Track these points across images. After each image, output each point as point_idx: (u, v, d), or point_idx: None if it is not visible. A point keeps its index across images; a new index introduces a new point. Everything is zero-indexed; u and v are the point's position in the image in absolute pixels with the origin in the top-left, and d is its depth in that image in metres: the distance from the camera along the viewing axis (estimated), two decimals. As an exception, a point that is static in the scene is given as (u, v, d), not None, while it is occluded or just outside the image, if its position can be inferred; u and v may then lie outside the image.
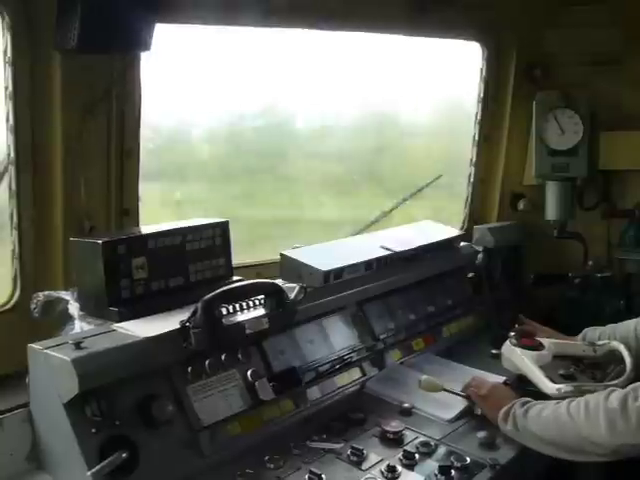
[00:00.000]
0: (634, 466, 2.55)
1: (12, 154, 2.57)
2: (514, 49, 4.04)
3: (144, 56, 2.76)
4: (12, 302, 2.67)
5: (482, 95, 4.11)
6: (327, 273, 2.93)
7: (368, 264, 3.16)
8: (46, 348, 2.17)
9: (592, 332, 3.16)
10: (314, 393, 2.73)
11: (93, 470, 2.02)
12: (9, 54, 2.47)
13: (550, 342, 3.05)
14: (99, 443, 2.10)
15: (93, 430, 2.10)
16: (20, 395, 2.35)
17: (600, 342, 3.07)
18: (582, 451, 2.32)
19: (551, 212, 4.02)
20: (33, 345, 2.21)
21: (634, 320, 3.09)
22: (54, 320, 2.51)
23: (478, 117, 4.16)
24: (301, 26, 3.29)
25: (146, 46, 2.58)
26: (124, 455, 2.10)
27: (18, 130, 2.55)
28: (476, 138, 4.20)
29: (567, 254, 4.13)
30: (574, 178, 3.94)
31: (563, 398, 2.47)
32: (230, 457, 2.35)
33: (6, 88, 2.51)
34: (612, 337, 3.07)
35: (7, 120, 2.54)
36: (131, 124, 2.81)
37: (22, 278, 2.67)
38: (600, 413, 2.24)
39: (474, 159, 4.23)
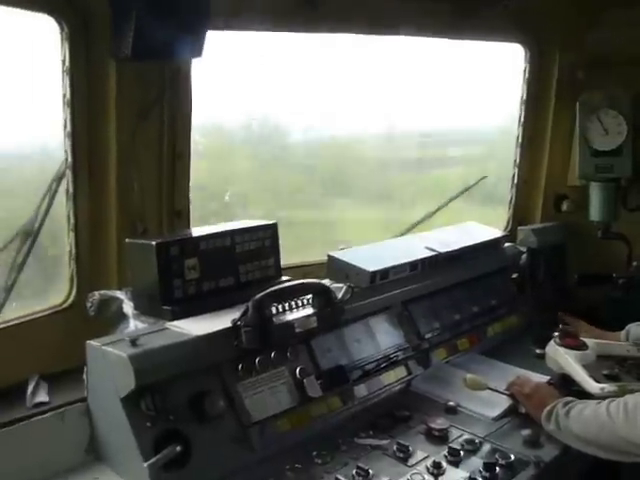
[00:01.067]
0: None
1: (69, 158, 2.65)
2: (557, 50, 4.04)
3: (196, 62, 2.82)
4: (69, 301, 2.75)
5: (525, 97, 4.12)
6: (373, 273, 2.98)
7: (413, 265, 3.20)
8: (104, 345, 2.26)
9: (636, 328, 3.16)
10: (361, 391, 2.78)
11: (149, 462, 2.10)
12: (67, 63, 2.55)
13: (594, 342, 3.06)
14: (154, 436, 2.18)
15: (148, 424, 2.19)
16: (78, 390, 2.45)
17: (645, 342, 3.07)
18: (621, 451, 2.33)
19: (595, 213, 4.02)
20: (91, 342, 2.31)
21: None
22: (109, 319, 2.60)
23: (521, 119, 4.16)
24: (348, 31, 3.33)
25: (198, 53, 2.65)
26: (178, 448, 2.18)
27: (75, 135, 2.63)
28: (519, 139, 4.20)
29: (611, 255, 4.10)
30: (618, 179, 3.93)
31: (606, 397, 2.48)
32: (279, 452, 2.41)
33: (64, 96, 2.60)
34: None
35: (65, 126, 2.63)
36: (182, 128, 2.87)
37: (78, 278, 2.75)
38: (639, 414, 2.25)
39: (518, 160, 4.24)
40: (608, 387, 2.68)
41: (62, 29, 2.51)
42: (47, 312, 2.72)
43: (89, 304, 2.59)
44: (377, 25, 3.35)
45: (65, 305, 2.76)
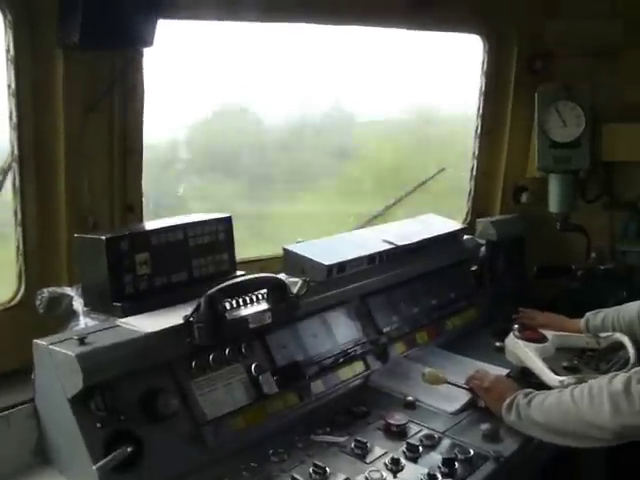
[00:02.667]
0: (636, 451, 2.57)
1: (16, 151, 2.57)
2: (515, 42, 4.04)
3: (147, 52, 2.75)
4: (17, 298, 2.68)
5: (484, 88, 4.11)
6: (330, 267, 2.94)
7: (371, 258, 3.16)
8: (51, 344, 2.19)
9: (594, 317, 3.18)
10: (318, 387, 2.74)
11: (98, 464, 2.04)
12: (12, 52, 2.47)
13: (553, 334, 3.08)
14: (104, 437, 2.12)
15: (98, 425, 2.12)
16: (25, 391, 2.36)
17: (604, 334, 3.09)
18: (586, 436, 2.33)
19: (554, 204, 4.03)
20: (38, 341, 2.23)
21: (637, 302, 3.10)
22: (59, 316, 2.52)
23: (480, 110, 4.16)
24: (302, 21, 3.29)
25: (148, 42, 2.59)
26: (129, 449, 2.12)
27: (21, 127, 2.55)
28: (478, 131, 4.20)
29: (570, 246, 4.14)
30: (576, 170, 3.96)
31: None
32: (234, 451, 2.37)
33: (9, 86, 2.52)
34: (615, 321, 3.08)
35: (10, 118, 2.55)
36: (134, 121, 2.81)
37: (27, 275, 2.68)
38: (604, 396, 2.25)
39: (476, 152, 4.23)
40: (567, 379, 2.69)
41: (5, 16, 2.43)
42: (-6, 309, 2.64)
43: (38, 301, 2.51)
44: (333, 15, 3.31)
45: (13, 303, 2.68)
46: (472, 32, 4.00)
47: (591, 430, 2.29)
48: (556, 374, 2.78)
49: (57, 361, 2.15)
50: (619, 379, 2.25)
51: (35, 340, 2.24)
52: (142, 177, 2.90)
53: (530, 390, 2.56)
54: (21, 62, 2.50)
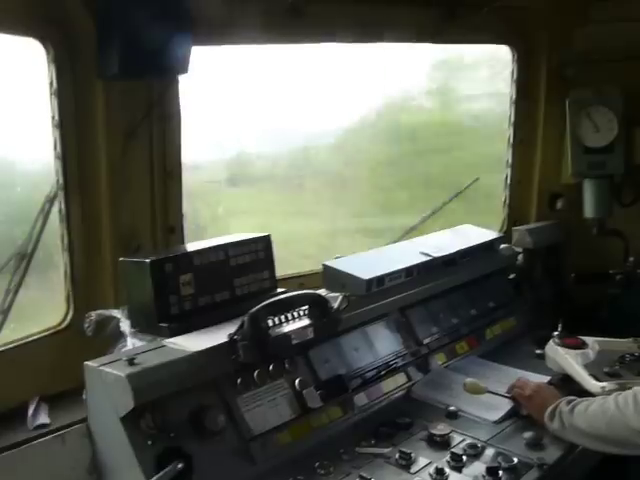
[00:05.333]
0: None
1: (60, 180, 2.66)
2: (545, 49, 4.04)
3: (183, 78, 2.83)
4: (66, 322, 2.75)
5: (515, 97, 4.12)
6: (369, 281, 2.98)
7: (409, 271, 3.20)
8: (101, 365, 2.25)
9: None
10: (361, 399, 2.78)
11: (151, 481, 2.10)
12: (54, 85, 2.56)
13: (594, 340, 3.06)
14: (155, 454, 2.18)
15: (149, 442, 2.19)
16: (76, 411, 2.46)
17: (644, 338, 3.07)
18: (631, 443, 2.32)
19: (589, 210, 4.01)
20: (89, 363, 2.30)
21: None
22: (107, 338, 2.60)
23: (512, 119, 4.16)
24: (334, 41, 3.34)
25: (183, 69, 2.66)
26: (179, 465, 2.17)
27: (65, 156, 2.64)
28: (511, 140, 4.20)
29: (607, 252, 4.10)
30: (611, 175, 3.93)
31: (608, 395, 2.48)
32: (281, 465, 2.41)
33: (52, 117, 2.61)
34: None
35: (55, 147, 2.64)
36: (172, 144, 2.89)
37: (75, 298, 2.75)
38: None
39: (510, 161, 4.23)
40: (609, 385, 2.69)
41: (48, 52, 2.52)
42: (45, 333, 2.72)
43: (86, 324, 2.59)
44: (363, 34, 3.36)
45: (63, 326, 2.76)
46: (501, 43, 4.02)
47: (635, 437, 2.29)
48: (597, 380, 2.77)
49: (108, 382, 2.21)
50: None
51: (86, 362, 2.31)
52: (182, 199, 2.96)
53: (573, 397, 2.56)
54: (63, 94, 2.59)
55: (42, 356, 2.67)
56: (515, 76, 4.09)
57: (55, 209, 2.71)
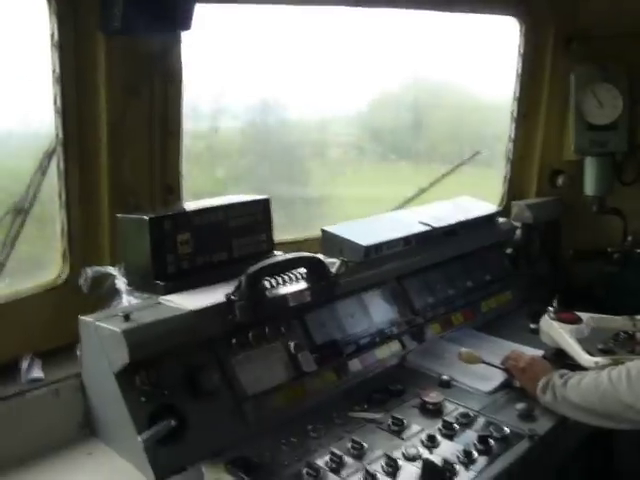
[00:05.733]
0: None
1: (60, 135, 2.63)
2: (551, 23, 3.99)
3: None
4: (62, 278, 2.73)
5: (520, 71, 4.08)
6: (368, 248, 2.97)
7: (407, 239, 3.19)
8: (97, 320, 2.26)
9: None
10: (355, 365, 2.79)
11: (143, 436, 2.11)
12: (56, 37, 2.51)
13: (588, 316, 3.07)
14: (148, 411, 2.19)
15: (143, 399, 2.19)
16: (73, 366, 2.46)
17: (639, 316, 3.07)
18: (622, 418, 2.33)
19: (590, 187, 4.01)
20: (84, 317, 2.31)
21: None
22: (102, 295, 2.59)
23: (516, 93, 4.13)
24: (340, 3, 3.30)
25: (186, 25, 2.62)
26: (172, 423, 2.18)
27: (65, 111, 2.60)
28: (514, 114, 4.17)
29: (606, 230, 4.10)
30: (613, 153, 3.92)
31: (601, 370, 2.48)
32: (274, 426, 2.42)
33: (53, 71, 2.56)
34: None
35: (55, 102, 2.60)
36: (173, 103, 2.84)
37: (71, 255, 2.72)
38: None
39: (512, 136, 4.21)
40: (602, 360, 2.69)
41: (50, 3, 2.47)
42: (40, 289, 2.70)
43: (82, 281, 2.57)
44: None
45: (58, 282, 2.73)
46: (508, 14, 3.96)
47: (628, 412, 2.29)
48: (591, 355, 2.78)
49: (103, 337, 2.22)
50: None
51: (81, 317, 2.32)
52: (181, 159, 2.94)
53: (566, 371, 2.57)
54: (65, 47, 2.54)
55: (37, 312, 2.65)
56: (521, 50, 4.04)
57: (53, 164, 2.69)
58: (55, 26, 2.51)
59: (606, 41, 3.88)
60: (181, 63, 2.83)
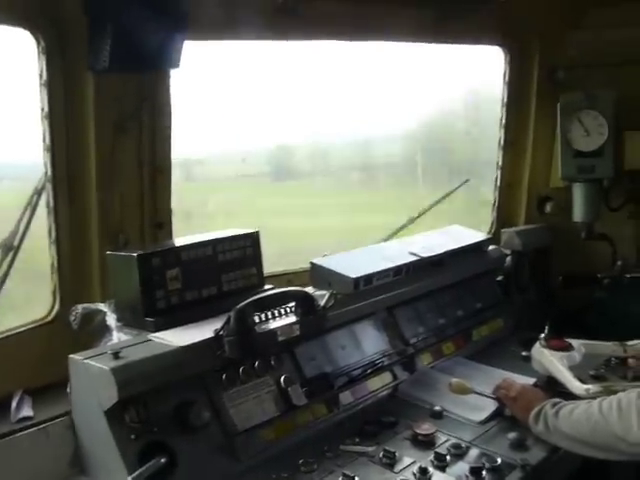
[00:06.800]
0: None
1: (49, 172, 2.65)
2: (537, 52, 4.05)
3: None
4: (52, 315, 2.74)
5: (506, 99, 4.13)
6: (357, 280, 2.97)
7: (397, 270, 3.19)
8: (86, 358, 2.25)
9: None
10: (346, 398, 2.78)
11: (133, 475, 2.10)
12: (44, 77, 2.55)
13: (580, 343, 3.07)
14: (138, 449, 2.18)
15: (132, 436, 2.18)
16: (61, 404, 2.45)
17: (630, 342, 3.07)
18: (613, 449, 2.32)
19: (578, 214, 4.02)
20: (74, 356, 2.30)
21: None
22: (93, 331, 2.59)
23: (503, 121, 4.18)
24: (331, 38, 3.35)
25: (175, 63, 2.65)
26: (163, 460, 2.17)
27: (54, 149, 2.63)
28: (501, 142, 4.22)
29: (595, 255, 4.12)
30: (600, 179, 3.93)
31: (593, 398, 2.48)
32: (265, 461, 2.41)
33: (42, 109, 2.59)
34: None
35: (43, 140, 2.62)
36: (162, 140, 2.87)
37: (61, 291, 2.74)
38: (633, 410, 2.25)
39: (500, 163, 4.25)
40: (593, 388, 2.70)
41: (38, 43, 2.51)
42: (30, 326, 2.71)
43: (72, 317, 2.58)
44: (356, 32, 3.36)
45: (48, 319, 2.75)
46: (494, 44, 4.02)
47: (620, 444, 2.28)
48: (582, 382, 2.78)
49: (92, 375, 2.21)
50: None
51: (71, 355, 2.31)
52: (171, 194, 2.96)
53: (558, 400, 2.57)
54: (53, 86, 2.57)
55: (27, 349, 2.66)
56: (507, 78, 4.09)
57: (42, 201, 2.71)
58: (43, 65, 2.55)
59: (591, 69, 3.93)
60: (170, 100, 2.86)
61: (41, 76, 2.56)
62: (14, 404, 2.50)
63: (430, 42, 3.80)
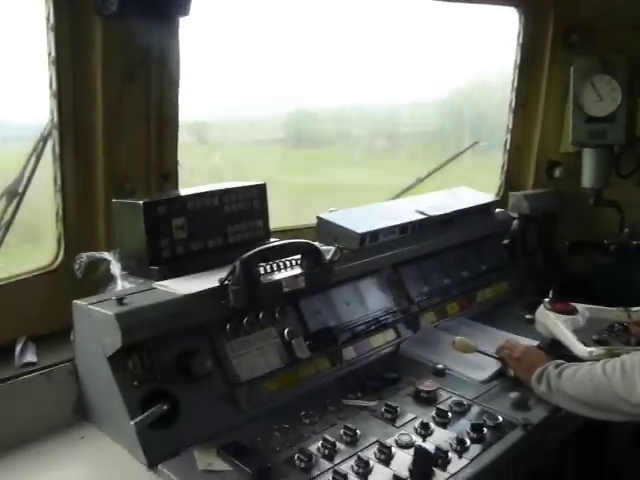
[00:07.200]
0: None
1: (55, 118, 2.62)
2: (551, 14, 3.99)
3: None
4: (56, 263, 2.73)
5: (519, 62, 4.08)
6: (363, 235, 2.96)
7: (403, 227, 3.18)
8: (90, 304, 2.26)
9: None
10: (349, 353, 2.78)
11: (136, 420, 2.11)
12: (52, 20, 2.51)
13: (584, 307, 3.06)
14: (141, 395, 2.19)
15: (135, 383, 2.19)
16: (66, 351, 2.46)
17: (634, 308, 3.06)
18: (615, 410, 2.31)
19: (587, 179, 3.99)
20: (78, 301, 2.31)
21: None
22: (97, 280, 2.59)
23: (515, 84, 4.13)
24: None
25: (184, 11, 2.61)
26: (165, 407, 2.18)
27: (61, 95, 2.59)
28: (512, 105, 4.18)
29: (603, 222, 4.09)
30: (611, 145, 3.90)
31: (596, 361, 2.47)
32: (267, 412, 2.42)
33: (49, 54, 2.56)
34: None
35: (50, 86, 2.59)
36: (170, 90, 2.83)
37: (66, 240, 2.73)
38: (636, 372, 2.23)
39: (510, 126, 4.21)
40: (596, 351, 2.68)
41: (46, -16, 2.47)
42: (35, 273, 2.70)
43: (76, 266, 2.57)
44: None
45: (53, 267, 2.74)
46: (508, 4, 3.97)
47: (622, 405, 2.28)
48: (585, 346, 2.78)
49: (96, 320, 2.21)
50: None
51: (75, 301, 2.32)
52: (177, 145, 2.93)
53: (561, 361, 2.56)
54: (61, 30, 2.53)
55: (31, 296, 2.65)
56: (520, 40, 4.04)
57: (48, 148, 2.68)
58: (51, 8, 2.50)
59: (606, 33, 3.87)
60: (178, 49, 2.82)
61: (48, 20, 2.52)
62: (18, 349, 2.51)
63: (444, 0, 3.73)
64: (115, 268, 2.56)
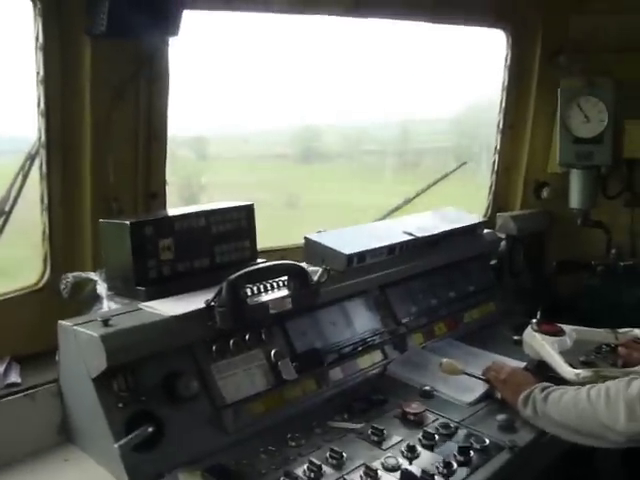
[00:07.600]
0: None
1: (43, 137, 2.61)
2: (539, 35, 4.02)
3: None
4: (42, 282, 2.72)
5: (506, 83, 4.11)
6: (350, 256, 2.96)
7: (391, 248, 3.18)
8: (75, 325, 2.24)
9: None
10: (336, 374, 2.77)
11: (120, 443, 2.08)
12: (40, 40, 2.50)
13: (572, 329, 3.06)
14: (126, 417, 2.16)
15: (120, 405, 2.17)
16: (51, 371, 2.43)
17: (622, 330, 3.07)
18: (600, 437, 2.31)
19: (575, 200, 4.01)
20: (63, 322, 2.29)
21: None
22: (83, 300, 2.58)
23: (502, 105, 4.16)
24: (326, 13, 3.30)
25: (174, 31, 2.61)
26: (150, 429, 2.16)
27: (49, 114, 2.59)
28: (500, 126, 4.20)
29: (590, 242, 4.11)
30: (598, 166, 3.92)
31: (582, 384, 2.47)
32: (253, 434, 2.40)
33: (37, 73, 2.55)
34: None
35: (38, 104, 2.59)
36: (159, 108, 2.83)
37: (52, 259, 2.71)
38: (620, 400, 2.23)
39: (498, 147, 4.23)
40: (583, 373, 2.68)
41: (35, 4, 2.46)
42: (20, 292, 2.69)
43: (63, 285, 2.56)
44: (354, 8, 3.32)
45: (39, 286, 2.72)
46: (496, 27, 3.99)
47: (605, 432, 2.28)
48: (572, 368, 2.77)
49: (81, 342, 2.20)
50: (636, 384, 2.24)
51: (60, 321, 2.30)
52: (166, 164, 2.92)
53: (548, 385, 2.55)
54: (50, 49, 2.53)
55: (16, 315, 2.63)
56: (508, 61, 4.07)
57: (35, 167, 2.67)
58: (40, 28, 2.50)
59: (593, 55, 3.90)
60: (168, 68, 2.83)
61: (37, 39, 2.51)
62: (1, 370, 2.48)
63: (431, 22, 3.75)
64: (101, 288, 2.55)
